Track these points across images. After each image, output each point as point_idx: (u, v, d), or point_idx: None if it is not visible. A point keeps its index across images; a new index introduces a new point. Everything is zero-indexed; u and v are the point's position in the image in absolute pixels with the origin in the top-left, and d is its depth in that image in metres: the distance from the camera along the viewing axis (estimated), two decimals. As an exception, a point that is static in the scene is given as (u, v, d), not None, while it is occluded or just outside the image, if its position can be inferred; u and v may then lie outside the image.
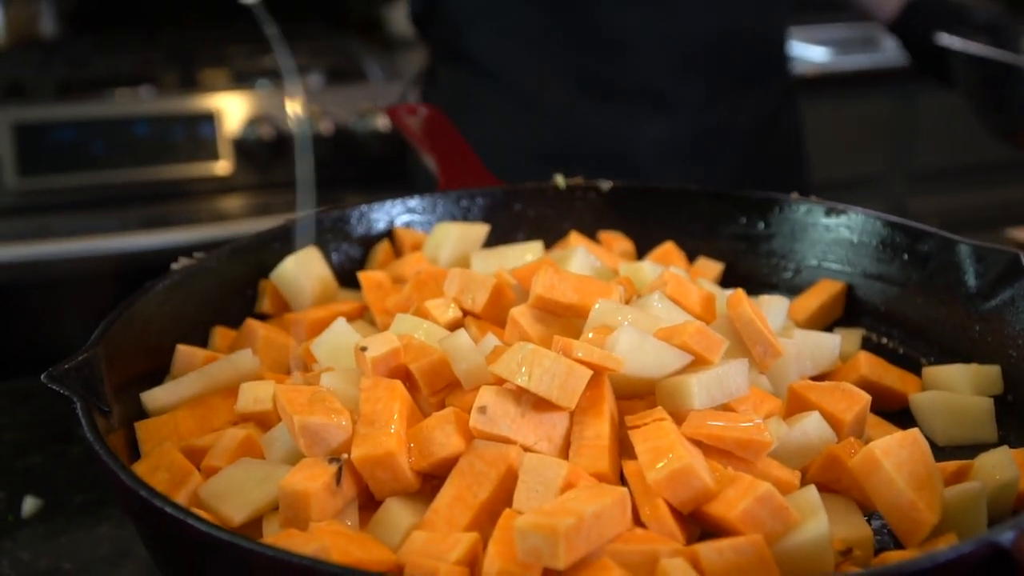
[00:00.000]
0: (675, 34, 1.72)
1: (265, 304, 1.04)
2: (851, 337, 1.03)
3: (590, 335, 0.81)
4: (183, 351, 0.91)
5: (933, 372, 0.94)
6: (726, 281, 1.13)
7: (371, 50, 3.13)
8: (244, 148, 2.57)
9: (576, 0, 1.72)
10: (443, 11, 1.90)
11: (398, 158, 2.69)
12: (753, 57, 1.81)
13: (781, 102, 1.89)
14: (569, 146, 1.78)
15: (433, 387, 0.80)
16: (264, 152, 2.57)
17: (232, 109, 2.57)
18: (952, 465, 0.79)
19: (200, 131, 2.55)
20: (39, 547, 0.98)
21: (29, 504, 1.04)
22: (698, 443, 0.73)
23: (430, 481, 0.75)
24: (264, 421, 0.83)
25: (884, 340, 1.05)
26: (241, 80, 2.74)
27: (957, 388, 0.91)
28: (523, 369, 0.72)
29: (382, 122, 2.62)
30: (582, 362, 0.74)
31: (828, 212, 1.09)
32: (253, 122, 2.55)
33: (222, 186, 2.60)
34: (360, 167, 2.68)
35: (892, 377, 0.94)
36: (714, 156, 1.80)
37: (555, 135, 1.80)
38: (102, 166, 2.50)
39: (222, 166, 2.57)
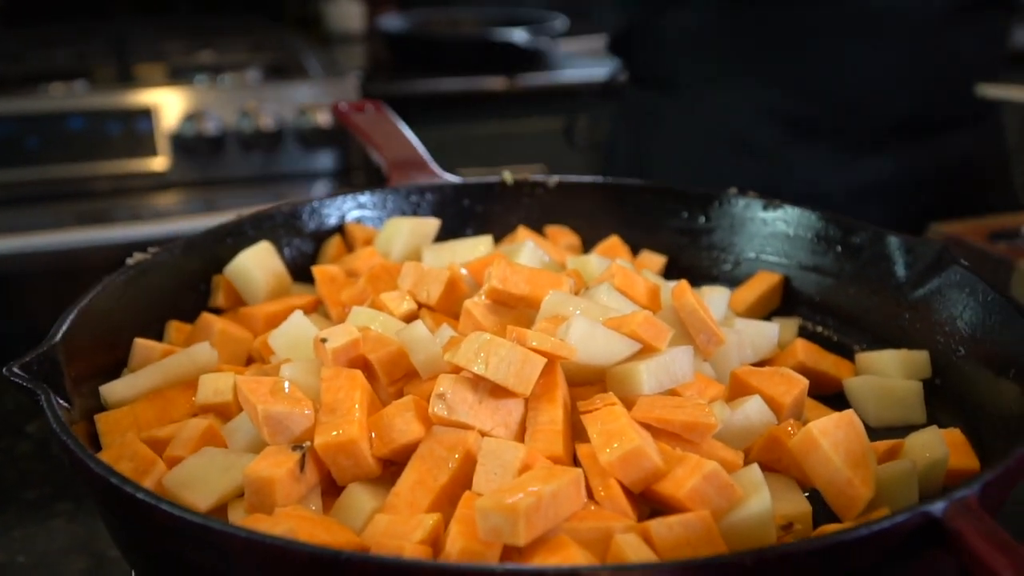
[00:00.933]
0: (886, 81, 1.76)
1: (219, 298, 1.05)
2: (788, 326, 1.07)
3: (542, 325, 0.84)
4: (141, 344, 0.92)
5: (866, 358, 0.99)
6: (669, 273, 1.17)
7: (309, 45, 3.13)
8: (182, 144, 2.55)
9: (792, 47, 1.75)
10: (647, 39, 1.92)
11: (339, 153, 2.70)
12: (958, 99, 1.83)
13: (984, 138, 1.91)
14: (771, 184, 1.80)
15: (392, 376, 0.82)
16: (203, 148, 2.56)
17: (170, 104, 2.56)
18: (884, 444, 0.83)
19: (137, 126, 2.53)
20: (-7, 542, 0.99)
21: (-21, 501, 1.05)
22: (648, 426, 0.76)
23: (390, 467, 0.77)
24: (224, 412, 0.84)
25: (819, 328, 1.09)
26: (178, 75, 2.73)
27: (888, 373, 0.96)
28: (480, 357, 0.75)
29: (322, 117, 2.63)
30: (536, 350, 0.77)
31: (765, 207, 1.14)
32: (191, 118, 2.54)
33: (160, 182, 2.58)
34: (300, 162, 2.68)
35: (827, 363, 0.98)
36: (917, 196, 1.82)
37: (757, 171, 1.82)
38: (36, 161, 2.47)
39: (160, 162, 2.56)
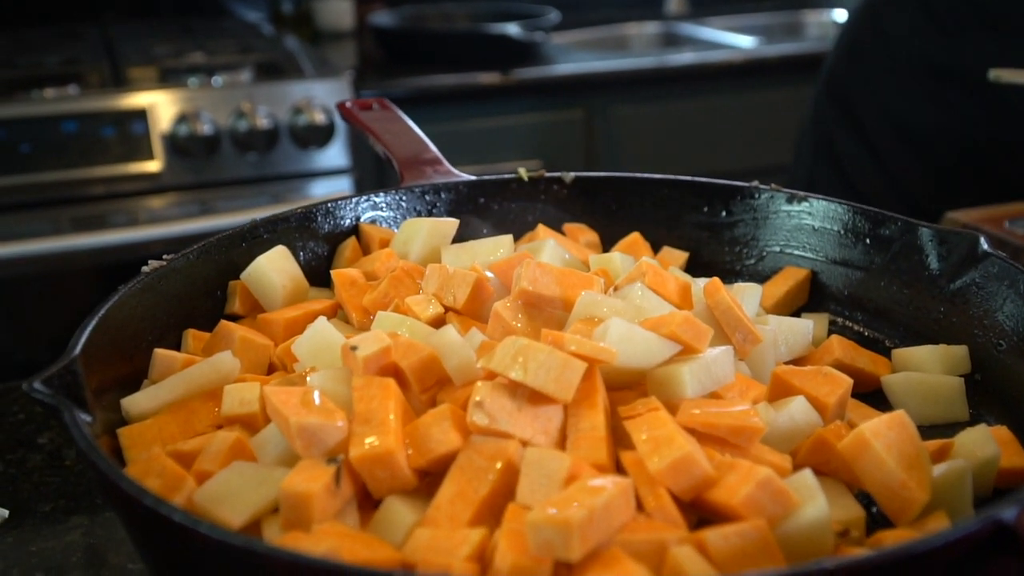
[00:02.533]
0: None
1: (235, 305, 1.02)
2: (820, 321, 1.05)
3: (576, 327, 0.82)
4: (161, 355, 0.89)
5: (903, 354, 0.97)
6: (690, 269, 1.15)
7: (300, 44, 3.10)
8: (177, 146, 2.52)
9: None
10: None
11: (336, 152, 2.68)
12: None
13: None
14: None
15: (424, 384, 0.79)
16: (198, 149, 2.53)
17: (163, 106, 2.53)
18: (933, 444, 0.81)
19: (131, 129, 2.50)
20: (10, 557, 0.96)
21: (-5, 514, 1.02)
22: (692, 431, 0.74)
23: (427, 478, 0.75)
24: (251, 423, 0.82)
25: (849, 323, 1.07)
26: (170, 77, 2.69)
27: (927, 369, 0.93)
28: (518, 363, 0.73)
29: (317, 116, 2.60)
30: (576, 355, 0.74)
31: (789, 199, 1.11)
32: (185, 119, 2.51)
33: (155, 185, 2.56)
34: (296, 162, 2.65)
35: (864, 360, 0.96)
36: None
37: None
38: (30, 167, 2.44)
39: (154, 164, 2.53)
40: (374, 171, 2.79)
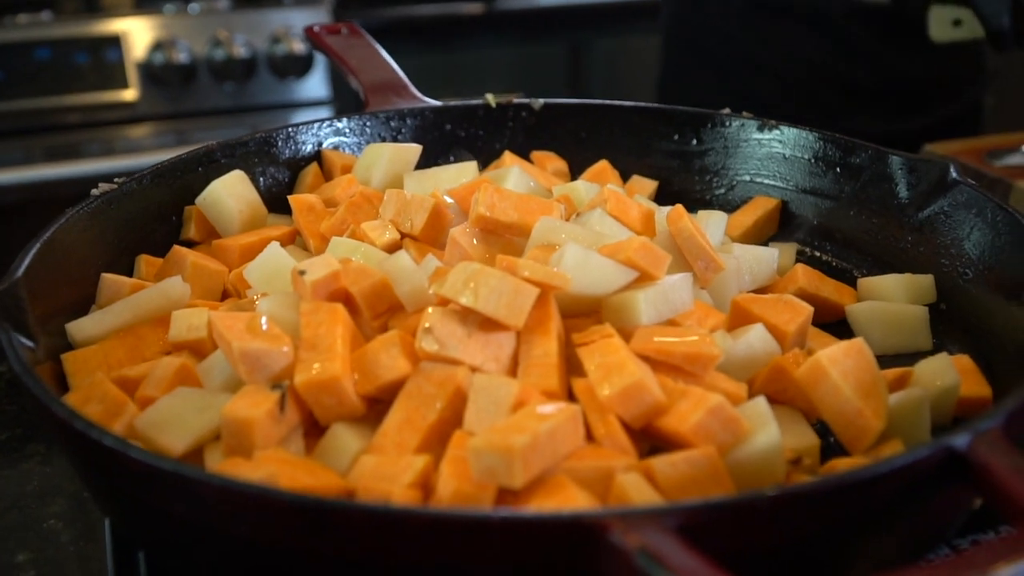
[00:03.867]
0: None
1: (191, 231, 1.00)
2: (787, 251, 1.03)
3: (533, 253, 0.80)
4: (108, 280, 0.87)
5: (868, 283, 0.95)
6: (660, 198, 1.13)
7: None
8: (152, 74, 2.47)
9: None
10: None
11: (315, 82, 2.63)
12: None
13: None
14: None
15: (375, 310, 0.78)
16: (173, 78, 2.48)
17: (138, 33, 2.47)
18: (893, 373, 0.80)
19: (105, 56, 2.45)
20: (-35, 485, 0.95)
21: (-49, 442, 1.01)
22: (647, 358, 0.72)
23: (375, 405, 0.73)
24: (198, 349, 0.80)
25: (818, 254, 1.06)
26: (146, 3, 2.63)
27: (892, 298, 0.92)
28: (469, 288, 0.71)
29: (296, 45, 2.55)
30: (529, 280, 0.72)
31: (760, 127, 1.09)
32: (161, 47, 2.46)
33: (130, 114, 2.51)
34: (275, 92, 2.61)
35: (829, 289, 0.94)
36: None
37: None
38: (3, 95, 2.39)
39: (129, 93, 2.48)
40: (355, 103, 2.75)
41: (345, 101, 2.72)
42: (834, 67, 1.84)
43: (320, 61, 2.60)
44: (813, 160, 1.05)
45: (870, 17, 1.78)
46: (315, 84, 2.63)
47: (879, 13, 1.77)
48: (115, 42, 2.45)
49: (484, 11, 2.87)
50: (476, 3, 2.86)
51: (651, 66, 3.04)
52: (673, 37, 2.09)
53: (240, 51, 2.52)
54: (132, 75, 2.47)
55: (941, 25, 1.47)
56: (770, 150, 1.08)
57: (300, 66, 2.58)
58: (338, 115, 1.13)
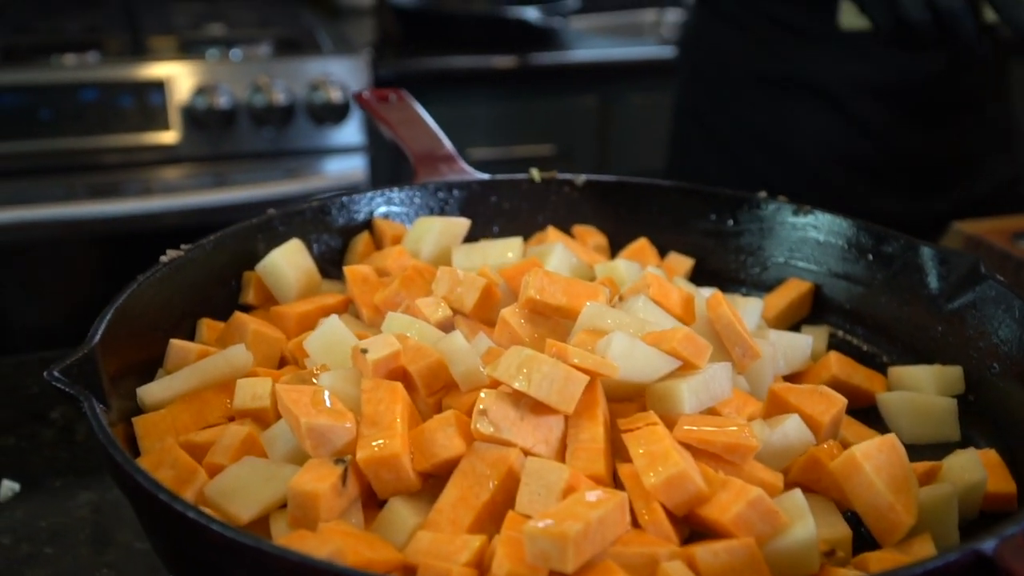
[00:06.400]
0: None
1: (249, 295, 1.05)
2: (819, 335, 1.07)
3: (580, 337, 0.84)
4: (176, 346, 0.92)
5: (899, 372, 0.99)
6: (696, 275, 1.17)
7: (319, 18, 3.11)
8: (194, 117, 2.54)
9: None
10: None
11: (352, 128, 2.69)
12: None
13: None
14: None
15: (431, 388, 0.82)
16: (214, 122, 2.55)
17: (182, 78, 2.54)
18: (922, 466, 0.83)
19: (149, 99, 2.52)
20: (19, 531, 0.99)
21: (5, 488, 1.05)
22: (688, 446, 0.76)
23: (430, 480, 0.77)
24: (261, 417, 0.84)
25: (849, 337, 1.09)
26: (189, 48, 2.71)
27: (922, 388, 0.96)
28: (523, 373, 0.75)
29: (333, 93, 2.61)
30: (578, 368, 0.76)
31: (795, 211, 1.13)
32: (203, 91, 2.53)
33: (170, 156, 2.57)
34: (311, 138, 2.67)
35: (860, 377, 0.98)
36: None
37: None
38: (49, 133, 2.46)
39: (171, 135, 2.55)
40: (388, 150, 2.81)
41: (378, 148, 2.78)
42: (844, 145, 1.83)
43: (356, 109, 2.66)
44: (846, 246, 1.10)
45: (879, 93, 1.78)
46: (350, 131, 2.69)
47: (888, 89, 1.77)
48: (159, 86, 2.52)
49: (517, 65, 2.93)
50: (509, 57, 2.92)
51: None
52: (681, 112, 2.11)
53: (279, 97, 2.58)
54: (174, 118, 2.54)
55: (849, 14, 1.50)
56: (805, 234, 1.13)
57: (337, 113, 2.64)
58: (388, 186, 1.17)
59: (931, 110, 1.79)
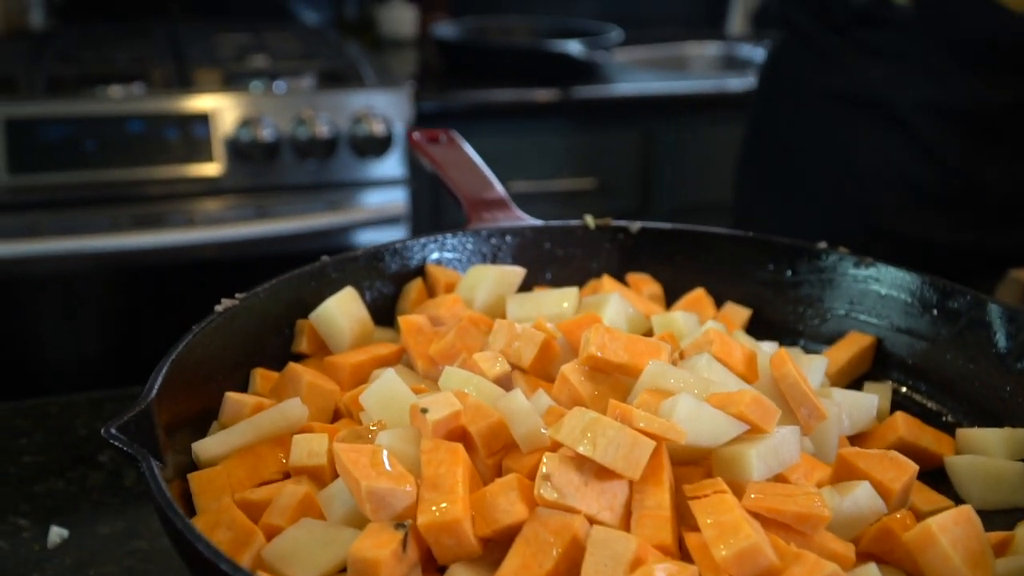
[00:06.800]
0: None
1: (303, 344, 1.04)
2: (882, 393, 1.04)
3: (643, 398, 0.82)
4: (232, 399, 0.91)
5: (967, 435, 0.96)
6: (752, 326, 1.15)
7: (362, 51, 3.12)
8: (238, 150, 2.55)
9: None
10: None
11: (393, 161, 2.69)
12: None
13: None
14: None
15: (491, 449, 0.80)
16: (258, 154, 2.56)
17: (226, 110, 2.55)
18: (995, 536, 0.80)
19: (194, 132, 2.53)
20: (69, 580, 0.98)
21: (54, 534, 1.04)
22: (757, 515, 0.74)
23: (490, 545, 0.75)
24: (317, 475, 0.83)
25: (912, 394, 1.06)
26: (233, 81, 2.72)
27: (992, 452, 0.93)
28: (587, 438, 0.73)
29: (376, 127, 2.62)
30: (644, 432, 0.75)
31: (857, 264, 1.11)
32: (247, 124, 2.54)
33: (214, 187, 2.58)
34: (354, 171, 2.67)
35: (928, 439, 0.95)
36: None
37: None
38: (94, 164, 2.48)
39: (214, 167, 2.56)
40: (429, 183, 2.81)
41: (420, 181, 2.78)
42: (908, 168, 1.80)
43: (398, 142, 2.66)
44: (910, 300, 1.07)
45: (947, 116, 1.74)
46: (392, 164, 2.70)
47: (957, 114, 1.73)
48: (204, 119, 2.53)
49: (559, 98, 2.92)
50: (551, 90, 2.92)
51: (719, 155, 3.08)
52: (750, 140, 2.11)
53: (323, 130, 2.59)
54: (218, 150, 2.55)
55: None
56: (866, 287, 1.10)
57: (379, 146, 2.64)
58: (442, 232, 1.16)
59: (1003, 140, 1.74)
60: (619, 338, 0.87)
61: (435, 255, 1.16)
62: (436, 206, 2.89)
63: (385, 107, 2.66)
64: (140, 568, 1.00)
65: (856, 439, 0.96)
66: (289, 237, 2.56)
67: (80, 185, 2.48)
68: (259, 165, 2.58)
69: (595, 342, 0.85)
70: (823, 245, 1.14)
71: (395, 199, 2.71)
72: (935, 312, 1.05)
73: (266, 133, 2.54)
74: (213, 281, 0.96)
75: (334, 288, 1.06)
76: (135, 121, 2.50)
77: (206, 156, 2.55)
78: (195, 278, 2.59)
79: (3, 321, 2.51)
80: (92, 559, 1.01)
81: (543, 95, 2.91)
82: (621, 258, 1.20)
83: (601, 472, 0.74)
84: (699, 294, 1.14)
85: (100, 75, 2.69)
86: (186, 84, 2.68)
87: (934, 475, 0.94)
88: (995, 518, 0.88)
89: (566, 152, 2.98)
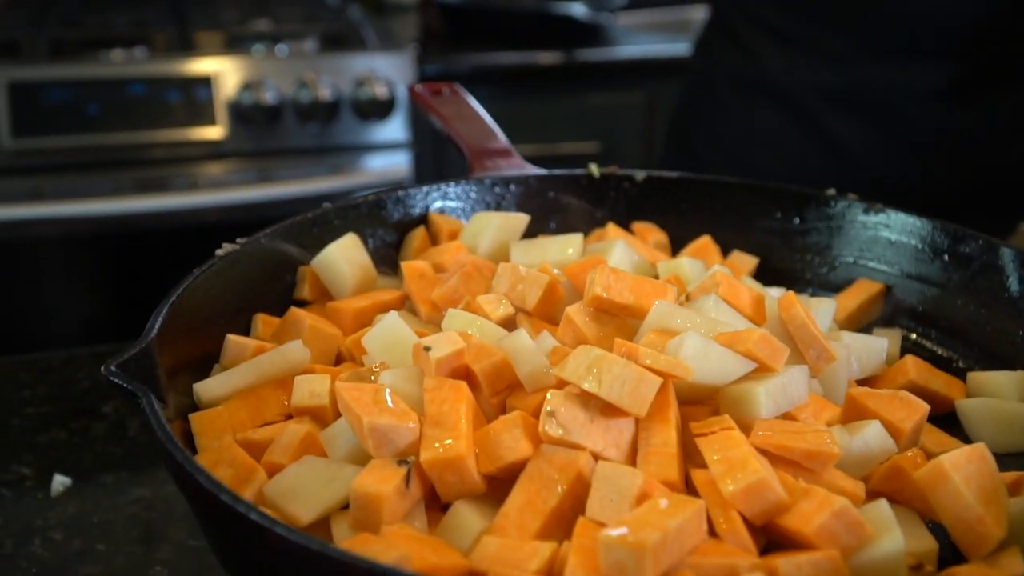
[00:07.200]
0: None
1: (304, 291, 1.03)
2: (893, 338, 1.03)
3: (649, 338, 0.81)
4: (233, 341, 0.89)
5: (979, 378, 0.95)
6: (760, 274, 1.13)
7: (364, 14, 3.09)
8: (240, 113, 2.53)
9: None
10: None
11: (396, 124, 2.67)
12: None
13: None
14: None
15: (495, 388, 0.79)
16: (260, 118, 2.54)
17: (228, 73, 2.53)
18: (1009, 476, 0.79)
19: (196, 94, 2.51)
20: (71, 527, 0.98)
21: (57, 483, 1.04)
22: (765, 453, 0.73)
23: (494, 483, 0.74)
24: (319, 415, 0.82)
25: (922, 340, 1.05)
26: (236, 44, 2.70)
27: (1003, 395, 0.91)
28: (592, 374, 0.72)
29: (379, 89, 2.60)
30: (651, 369, 0.73)
31: (866, 210, 1.09)
32: (249, 87, 2.52)
33: (216, 151, 2.57)
34: (356, 134, 2.65)
35: (939, 382, 0.94)
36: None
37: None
38: (96, 128, 2.46)
39: (216, 131, 2.54)
40: (432, 146, 2.79)
41: (422, 144, 2.76)
42: (799, 154, 1.73)
43: (400, 105, 2.64)
44: (921, 246, 1.06)
45: (841, 102, 1.67)
46: (395, 127, 2.68)
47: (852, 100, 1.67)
48: (206, 82, 2.51)
49: (563, 61, 2.90)
50: (555, 53, 2.89)
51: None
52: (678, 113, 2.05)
53: (325, 93, 2.57)
54: (220, 113, 2.53)
55: None
56: (876, 233, 1.09)
57: (382, 109, 2.62)
58: (444, 180, 1.15)
59: (912, 130, 1.67)
60: (625, 279, 0.85)
61: (438, 203, 1.14)
62: (439, 169, 2.87)
63: (387, 70, 2.64)
64: (143, 515, 1.00)
65: (865, 383, 0.94)
66: (292, 201, 2.54)
67: (83, 149, 2.46)
68: (261, 128, 2.57)
69: (600, 282, 0.84)
70: (832, 191, 1.12)
71: (398, 163, 2.69)
72: (946, 257, 1.04)
73: (268, 96, 2.53)
74: (215, 245, 0.95)
75: (336, 235, 1.04)
76: (137, 84, 2.49)
77: (208, 119, 2.54)
78: (198, 242, 2.58)
79: (5, 285, 2.50)
80: (95, 507, 1.01)
81: (546, 58, 2.89)
82: (626, 207, 1.19)
83: (607, 409, 0.73)
84: (705, 242, 1.12)
85: (102, 38, 2.67)
86: (188, 47, 2.67)
87: (945, 419, 0.93)
88: (1008, 461, 0.86)
89: (570, 115, 2.96)
